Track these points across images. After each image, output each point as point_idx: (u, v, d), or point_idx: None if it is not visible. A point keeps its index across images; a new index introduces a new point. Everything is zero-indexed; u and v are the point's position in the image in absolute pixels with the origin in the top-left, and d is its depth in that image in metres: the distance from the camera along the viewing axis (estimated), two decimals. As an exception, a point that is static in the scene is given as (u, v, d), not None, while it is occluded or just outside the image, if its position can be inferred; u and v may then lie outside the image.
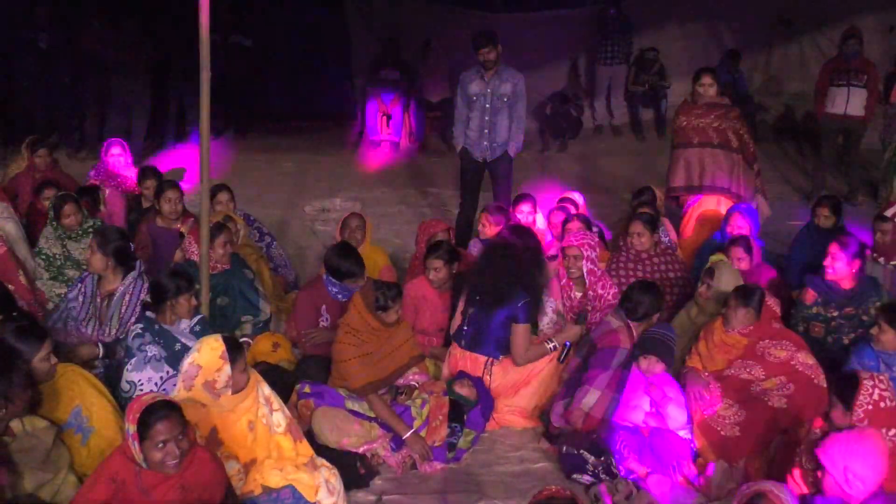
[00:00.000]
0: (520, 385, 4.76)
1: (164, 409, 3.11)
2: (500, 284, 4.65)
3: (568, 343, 4.78)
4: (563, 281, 5.27)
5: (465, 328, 4.79)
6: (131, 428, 3.10)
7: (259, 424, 3.63)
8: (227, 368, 3.50)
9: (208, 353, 3.52)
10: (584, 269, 5.18)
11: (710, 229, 6.25)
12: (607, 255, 5.83)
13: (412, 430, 4.32)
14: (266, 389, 3.74)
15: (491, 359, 4.72)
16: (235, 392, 3.55)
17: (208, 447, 3.43)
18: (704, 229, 6.38)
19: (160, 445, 3.08)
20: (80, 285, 4.81)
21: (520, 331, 4.67)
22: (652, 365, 4.31)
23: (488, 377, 4.71)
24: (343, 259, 5.02)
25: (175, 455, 3.10)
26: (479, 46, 6.58)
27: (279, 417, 3.72)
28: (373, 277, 4.98)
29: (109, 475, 3.12)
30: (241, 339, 5.12)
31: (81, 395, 3.74)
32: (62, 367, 3.76)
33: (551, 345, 4.76)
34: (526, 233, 4.98)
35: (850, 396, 3.47)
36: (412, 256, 6.20)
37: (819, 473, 3.37)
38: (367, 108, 11.03)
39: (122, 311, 4.62)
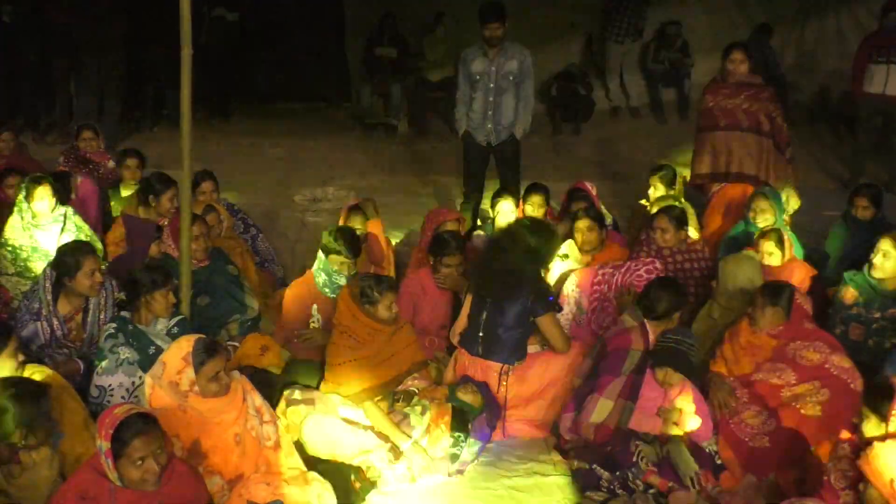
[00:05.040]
0: (535, 396, 4.75)
1: (139, 424, 3.10)
2: (500, 278, 4.64)
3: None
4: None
5: (478, 334, 4.76)
6: (104, 445, 3.08)
7: (248, 438, 3.64)
8: (190, 372, 3.52)
9: (175, 351, 3.57)
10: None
11: (736, 220, 6.25)
12: (626, 254, 5.80)
13: (412, 440, 4.32)
14: (257, 400, 3.75)
15: (506, 366, 4.71)
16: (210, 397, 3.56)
17: (188, 460, 3.44)
18: (730, 220, 6.38)
19: (138, 463, 3.08)
20: (33, 324, 4.58)
21: (546, 322, 4.70)
22: (669, 377, 4.31)
23: (504, 388, 4.70)
24: (337, 236, 4.97)
25: (154, 472, 3.11)
26: (488, 21, 6.56)
27: (269, 430, 3.73)
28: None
29: (78, 492, 3.12)
30: (227, 344, 5.13)
31: (53, 398, 3.72)
32: (31, 368, 3.80)
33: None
34: (539, 227, 4.85)
35: (884, 407, 3.47)
36: (415, 248, 6.20)
37: (861, 487, 3.37)
38: (362, 89, 11.03)
39: (100, 324, 4.61)
